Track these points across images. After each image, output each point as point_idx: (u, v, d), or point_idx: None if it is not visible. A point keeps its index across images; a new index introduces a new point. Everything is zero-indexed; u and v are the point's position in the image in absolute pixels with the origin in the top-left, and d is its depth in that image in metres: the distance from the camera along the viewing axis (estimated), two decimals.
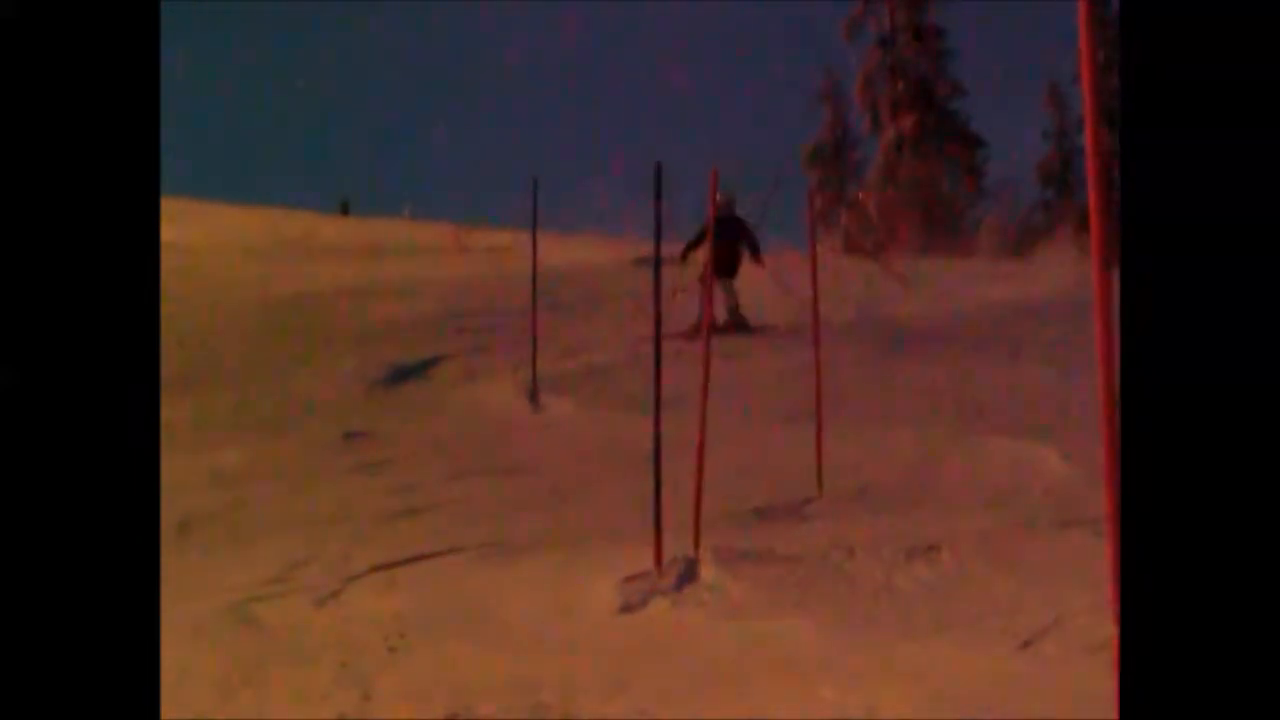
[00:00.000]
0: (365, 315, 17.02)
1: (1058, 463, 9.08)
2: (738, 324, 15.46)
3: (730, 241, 15.40)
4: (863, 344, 14.71)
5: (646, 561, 6.40)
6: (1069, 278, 17.29)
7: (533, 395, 13.09)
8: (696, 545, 6.64)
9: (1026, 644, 5.08)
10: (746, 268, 15.91)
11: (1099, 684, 3.09)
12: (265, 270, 21.95)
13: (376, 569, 6.81)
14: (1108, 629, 2.99)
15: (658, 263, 7.04)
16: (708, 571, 6.36)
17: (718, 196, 14.13)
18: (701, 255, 14.44)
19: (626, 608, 5.97)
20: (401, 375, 13.99)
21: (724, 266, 15.09)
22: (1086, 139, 3.36)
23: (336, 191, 62.86)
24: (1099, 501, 3.07)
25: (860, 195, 45.35)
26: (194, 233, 26.76)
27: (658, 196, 6.95)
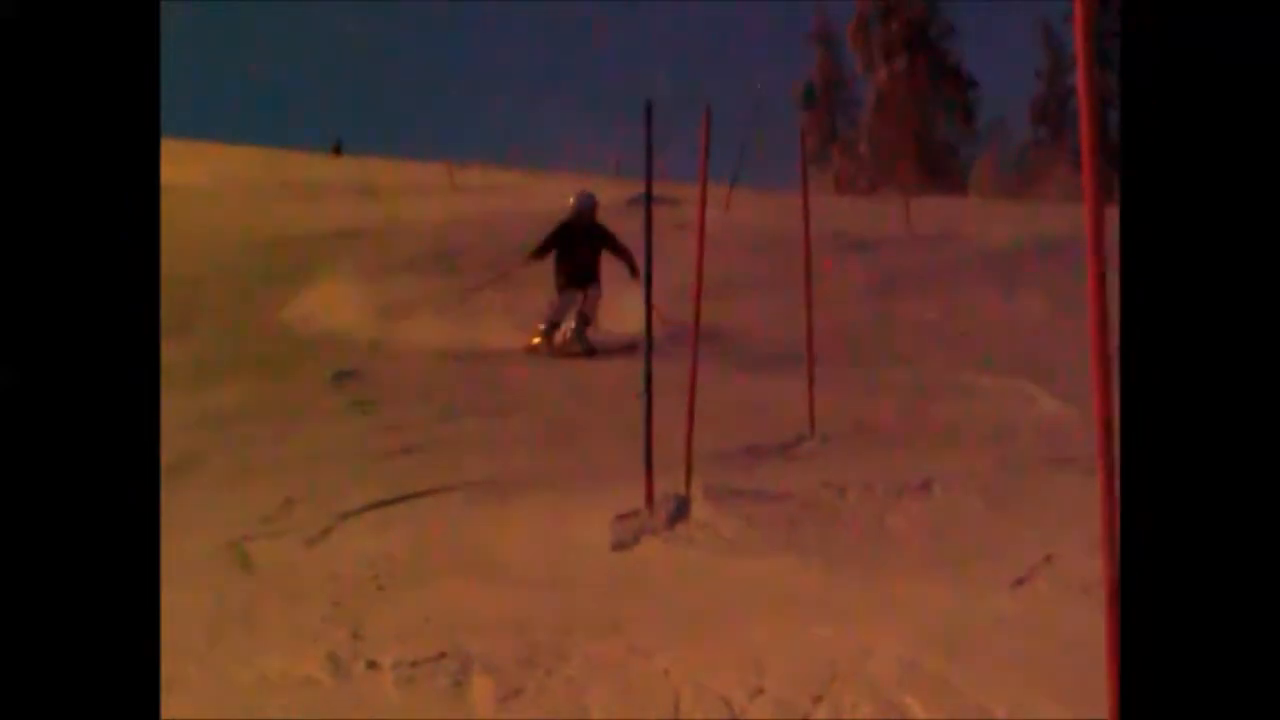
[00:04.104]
0: (357, 255, 16.93)
1: (1050, 401, 9.10)
2: (581, 345, 12.94)
3: (592, 249, 13.33)
4: (856, 283, 14.70)
5: (638, 500, 6.40)
6: (1062, 216, 17.24)
7: None
8: (688, 483, 6.64)
9: (1019, 582, 5.09)
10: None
11: (1091, 623, 3.08)
12: (258, 210, 21.83)
13: (368, 508, 6.80)
14: (1099, 568, 2.97)
15: (648, 203, 7.01)
16: (699, 509, 6.36)
17: (579, 201, 13.78)
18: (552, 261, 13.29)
19: (619, 545, 5.96)
20: (393, 315, 13.93)
21: (580, 276, 13.18)
22: (1079, 77, 3.30)
23: (330, 131, 62.70)
24: (1092, 440, 3.05)
25: (852, 135, 45.28)
26: (188, 173, 26.57)
27: (648, 136, 6.92)
